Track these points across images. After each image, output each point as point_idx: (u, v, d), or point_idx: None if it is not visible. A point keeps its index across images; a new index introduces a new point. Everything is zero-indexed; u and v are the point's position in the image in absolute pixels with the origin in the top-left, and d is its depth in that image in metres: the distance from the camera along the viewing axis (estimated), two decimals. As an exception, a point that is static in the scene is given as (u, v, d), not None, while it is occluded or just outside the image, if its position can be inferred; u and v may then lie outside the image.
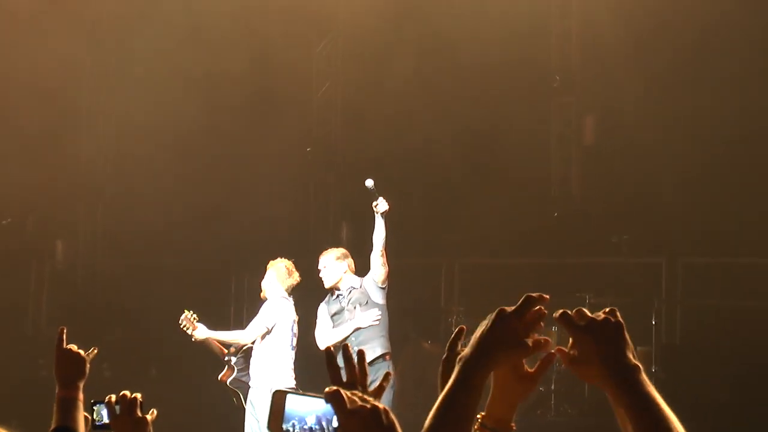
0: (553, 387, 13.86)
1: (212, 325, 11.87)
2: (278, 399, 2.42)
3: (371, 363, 10.66)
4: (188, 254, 14.90)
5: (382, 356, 10.72)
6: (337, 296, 10.88)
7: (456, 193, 15.62)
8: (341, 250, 11.09)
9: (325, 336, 10.77)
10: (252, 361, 11.07)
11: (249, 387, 11.04)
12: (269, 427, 2.42)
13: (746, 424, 12.43)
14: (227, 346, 11.32)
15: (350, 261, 10.97)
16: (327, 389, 2.30)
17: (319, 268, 10.90)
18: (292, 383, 10.89)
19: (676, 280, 15.25)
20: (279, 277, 11.03)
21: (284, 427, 2.39)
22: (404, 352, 13.85)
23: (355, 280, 10.88)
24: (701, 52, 14.98)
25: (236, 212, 14.73)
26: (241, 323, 11.54)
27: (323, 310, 10.92)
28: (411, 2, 14.99)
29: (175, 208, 14.89)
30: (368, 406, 2.28)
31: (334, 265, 10.85)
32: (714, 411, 12.86)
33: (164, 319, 14.64)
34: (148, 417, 3.97)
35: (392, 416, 2.29)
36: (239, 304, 11.71)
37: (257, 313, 11.08)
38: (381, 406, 2.30)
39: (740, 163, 14.88)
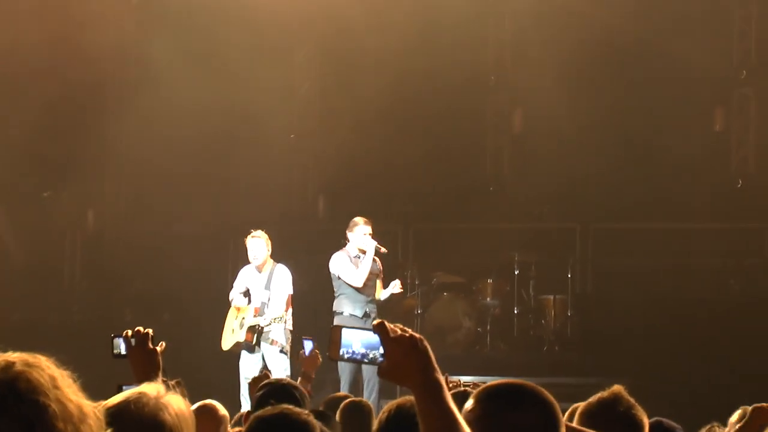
0: (488, 327, 14.00)
1: (214, 278, 11.79)
2: (335, 332, 2.43)
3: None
4: (193, 222, 15.06)
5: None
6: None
7: (411, 173, 15.78)
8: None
9: (358, 274, 10.71)
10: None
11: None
12: (330, 355, 2.45)
13: (642, 351, 12.92)
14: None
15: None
16: (375, 321, 2.39)
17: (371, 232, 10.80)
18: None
19: (587, 242, 15.45)
20: (268, 245, 10.85)
21: (340, 353, 2.43)
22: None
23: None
24: (606, 59, 15.38)
25: (235, 187, 14.88)
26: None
27: (344, 259, 10.84)
28: (373, 17, 15.07)
29: (183, 183, 15.05)
30: (407, 334, 2.36)
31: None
32: (616, 343, 13.20)
33: (174, 274, 14.79)
34: (158, 348, 4.01)
35: (426, 343, 2.36)
36: (235, 263, 11.75)
37: (267, 279, 10.76)
38: (417, 335, 2.37)
39: (638, 150, 15.23)
